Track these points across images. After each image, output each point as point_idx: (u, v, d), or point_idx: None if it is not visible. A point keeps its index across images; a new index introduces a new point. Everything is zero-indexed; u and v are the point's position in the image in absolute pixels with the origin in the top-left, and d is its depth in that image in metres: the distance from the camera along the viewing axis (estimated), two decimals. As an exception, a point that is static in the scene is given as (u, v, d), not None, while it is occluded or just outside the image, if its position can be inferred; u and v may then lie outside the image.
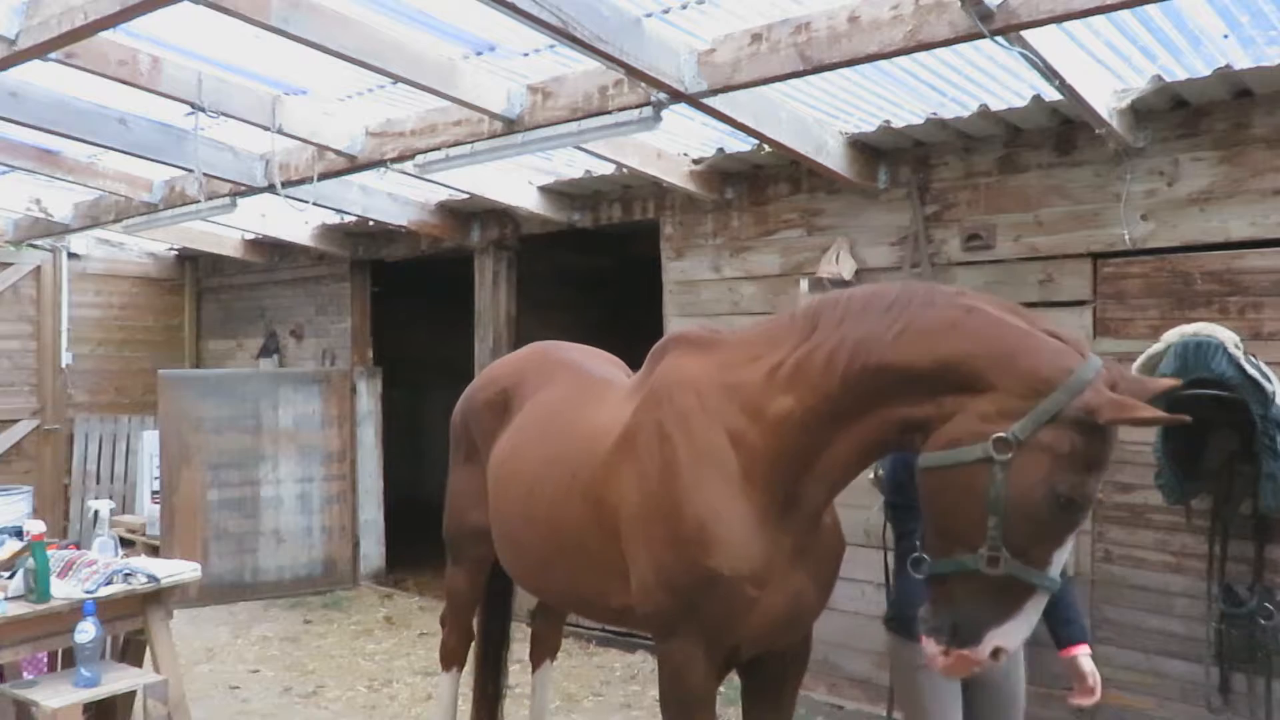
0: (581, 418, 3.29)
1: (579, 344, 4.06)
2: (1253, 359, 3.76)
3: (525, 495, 3.37)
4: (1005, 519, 2.18)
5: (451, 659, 4.28)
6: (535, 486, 3.31)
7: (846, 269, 5.21)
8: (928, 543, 2.38)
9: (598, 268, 9.85)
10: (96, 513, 4.76)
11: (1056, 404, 2.17)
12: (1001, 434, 2.18)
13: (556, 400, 3.49)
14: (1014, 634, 2.27)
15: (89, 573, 4.04)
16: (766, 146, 4.91)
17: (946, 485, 2.26)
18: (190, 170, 5.70)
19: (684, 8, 3.72)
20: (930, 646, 2.34)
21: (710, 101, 3.99)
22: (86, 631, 3.71)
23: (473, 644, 4.34)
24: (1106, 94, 4.15)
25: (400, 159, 5.14)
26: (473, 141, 4.72)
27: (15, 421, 8.97)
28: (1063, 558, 2.25)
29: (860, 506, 4.61)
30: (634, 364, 3.34)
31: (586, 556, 3.10)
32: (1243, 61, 3.91)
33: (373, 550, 8.66)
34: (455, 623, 4.24)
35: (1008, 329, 2.30)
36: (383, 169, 5.40)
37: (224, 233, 8.60)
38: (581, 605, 3.55)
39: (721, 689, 5.61)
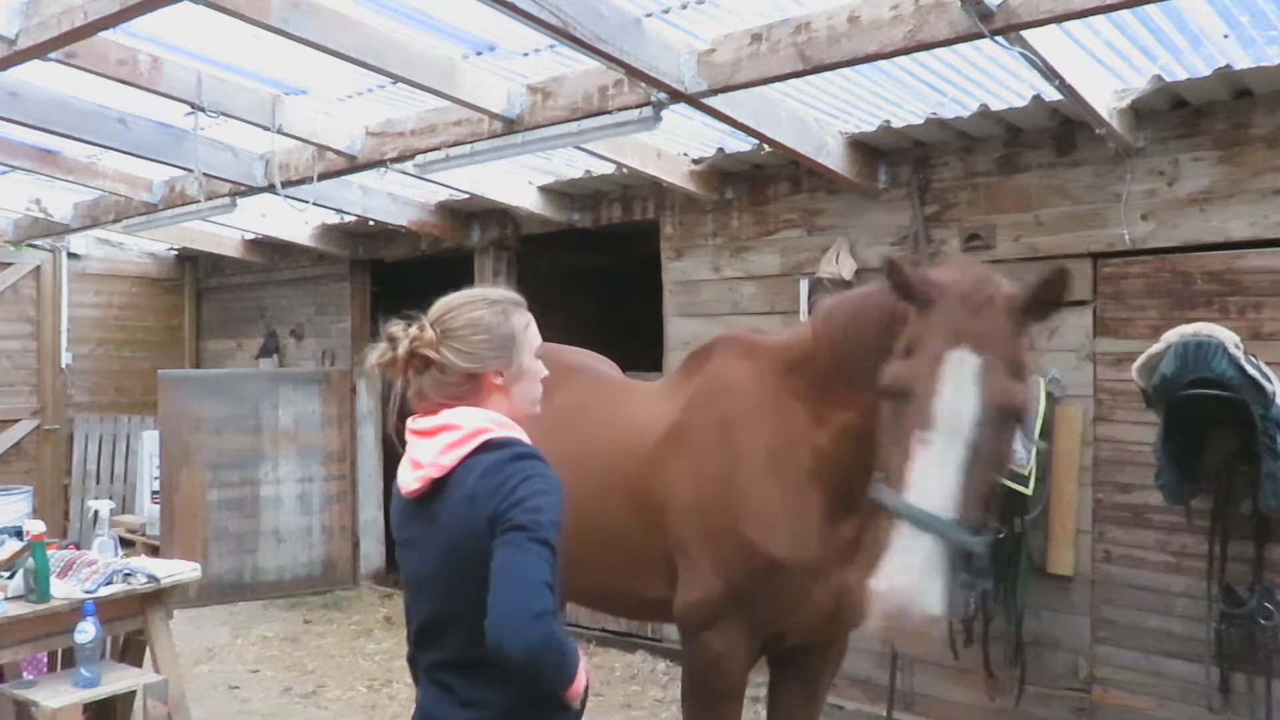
0: (612, 417, 3.36)
1: (574, 347, 4.09)
2: (1253, 359, 3.76)
3: None
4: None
5: None
6: (565, 486, 3.36)
7: (846, 269, 5.21)
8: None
9: (598, 267, 9.84)
10: (96, 513, 4.76)
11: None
12: None
13: (576, 403, 3.52)
14: (888, 572, 2.06)
15: (89, 573, 4.04)
16: (766, 146, 4.90)
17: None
18: (190, 170, 5.70)
19: (684, 8, 3.72)
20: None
21: (710, 101, 3.98)
22: (86, 631, 3.71)
23: None
24: (1106, 94, 4.14)
25: (400, 159, 5.14)
26: (473, 141, 4.72)
27: (15, 421, 8.96)
28: (929, 484, 2.04)
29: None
30: (633, 363, 3.36)
31: (627, 549, 3.14)
32: (1243, 61, 3.91)
33: (373, 550, 8.65)
34: None
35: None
36: (383, 169, 5.40)
37: (224, 233, 8.60)
38: (613, 599, 3.57)
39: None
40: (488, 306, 2.03)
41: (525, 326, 2.10)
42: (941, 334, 2.18)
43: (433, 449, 1.93)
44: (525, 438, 2.02)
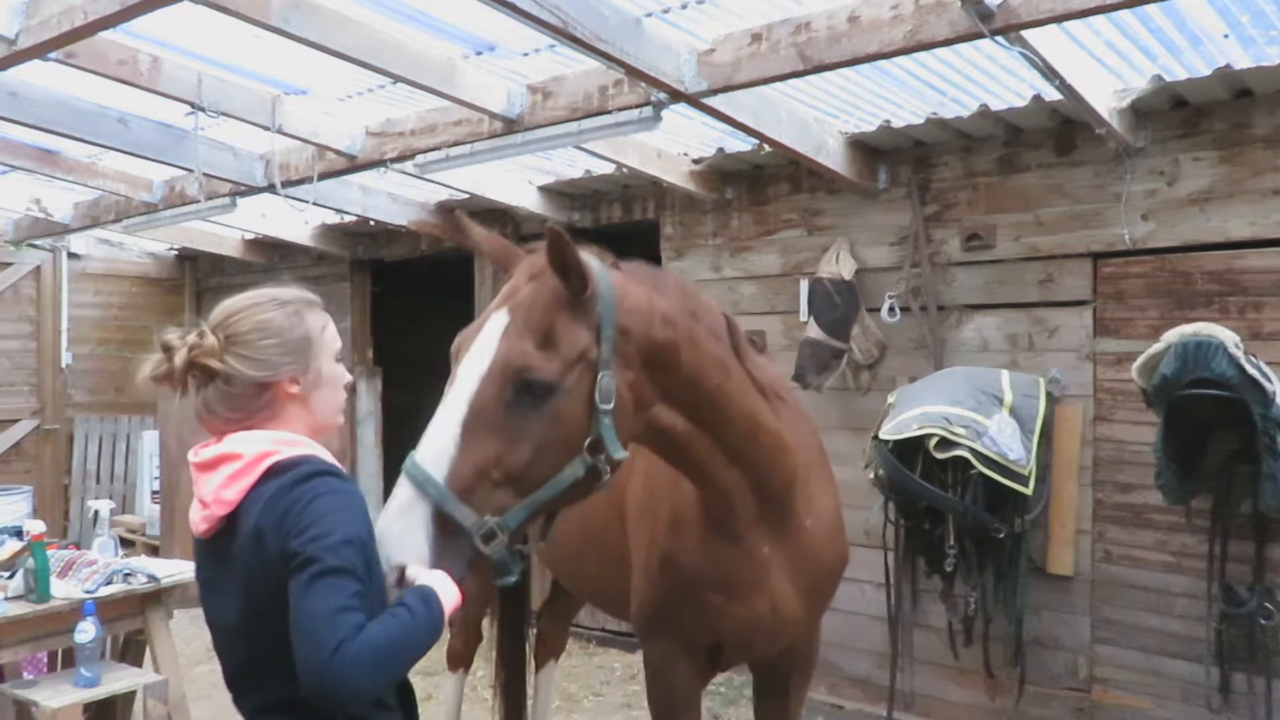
0: None
1: None
2: (1253, 359, 3.76)
3: None
4: None
5: (458, 661, 4.27)
6: None
7: (846, 269, 5.20)
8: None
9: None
10: (96, 513, 4.76)
11: None
12: None
13: None
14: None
15: (89, 573, 4.04)
16: (766, 146, 4.90)
17: None
18: (190, 170, 5.70)
19: (684, 7, 3.72)
20: None
21: (710, 101, 3.98)
22: (86, 631, 3.71)
23: (483, 644, 4.32)
24: (1106, 94, 4.14)
25: (400, 159, 5.13)
26: (473, 141, 4.72)
27: (15, 421, 8.95)
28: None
29: (860, 507, 4.61)
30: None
31: (609, 550, 3.09)
32: (1243, 61, 3.91)
33: (372, 550, 8.63)
34: (464, 624, 4.22)
35: None
36: (383, 169, 5.40)
37: (224, 233, 8.59)
38: (611, 602, 3.49)
39: (720, 689, 5.63)
40: (278, 308, 1.87)
41: (322, 328, 1.92)
42: (496, 298, 2.18)
43: (213, 484, 1.74)
44: (321, 452, 1.82)
